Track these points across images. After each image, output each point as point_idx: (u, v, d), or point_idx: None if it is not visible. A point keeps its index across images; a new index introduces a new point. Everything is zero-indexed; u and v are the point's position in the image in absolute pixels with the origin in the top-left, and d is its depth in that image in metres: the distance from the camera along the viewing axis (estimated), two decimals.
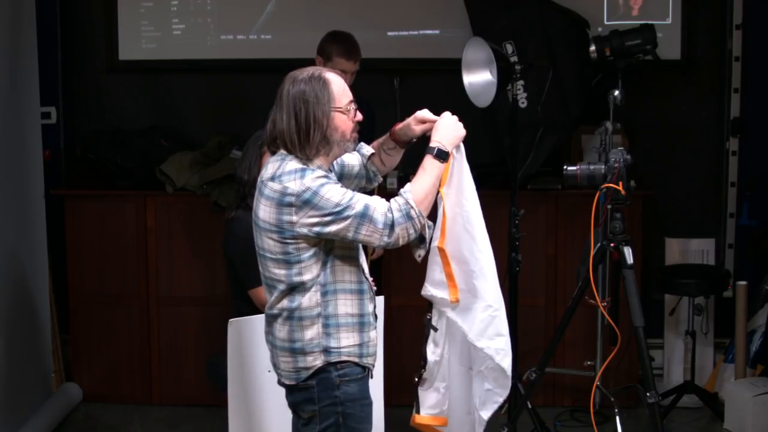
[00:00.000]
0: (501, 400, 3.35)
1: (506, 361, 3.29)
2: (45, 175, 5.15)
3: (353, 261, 3.10)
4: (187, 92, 5.62)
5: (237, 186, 4.10)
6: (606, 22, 5.35)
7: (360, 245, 3.14)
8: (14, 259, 4.73)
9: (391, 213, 2.99)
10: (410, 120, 3.22)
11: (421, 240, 3.12)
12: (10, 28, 4.68)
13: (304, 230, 2.98)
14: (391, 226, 2.98)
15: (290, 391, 3.16)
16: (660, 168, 5.47)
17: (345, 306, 3.08)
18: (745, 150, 5.44)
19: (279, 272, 3.05)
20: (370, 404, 3.16)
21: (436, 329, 3.34)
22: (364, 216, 2.96)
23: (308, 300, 3.04)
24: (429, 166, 3.09)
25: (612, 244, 4.08)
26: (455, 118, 3.19)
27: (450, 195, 3.21)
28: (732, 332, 5.16)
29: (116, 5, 5.51)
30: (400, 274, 5.07)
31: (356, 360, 3.09)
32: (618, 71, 4.72)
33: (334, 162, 3.20)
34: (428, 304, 3.35)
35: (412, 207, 3.01)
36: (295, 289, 3.05)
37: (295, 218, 2.97)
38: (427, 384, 3.38)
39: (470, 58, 4.50)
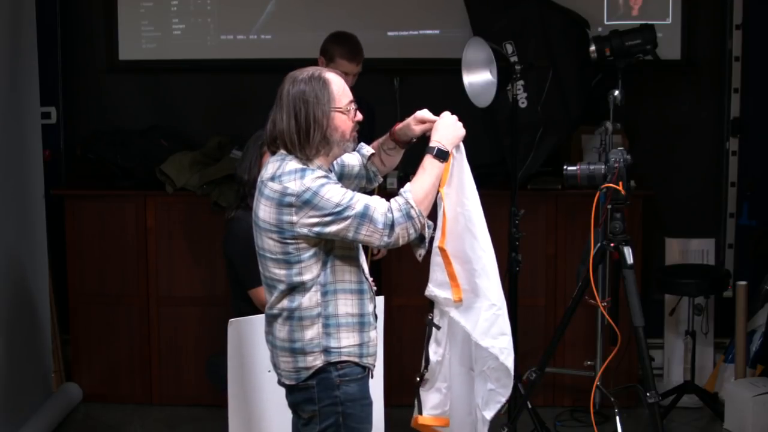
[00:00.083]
0: (504, 399, 3.34)
1: (510, 361, 3.29)
2: (45, 175, 5.15)
3: (353, 261, 3.10)
4: (187, 92, 5.62)
5: (237, 186, 4.10)
6: (606, 22, 5.35)
7: (360, 245, 3.14)
8: (14, 259, 4.73)
9: (391, 213, 2.99)
10: (410, 120, 3.22)
11: (421, 239, 3.12)
12: (10, 28, 4.68)
13: (304, 230, 2.98)
14: (391, 225, 2.98)
15: (290, 391, 3.16)
16: (660, 168, 5.47)
17: (345, 306, 3.08)
18: (745, 150, 5.44)
19: (279, 272, 3.05)
20: (370, 404, 3.16)
21: (438, 327, 3.34)
22: (364, 216, 2.97)
23: (308, 300, 3.04)
24: (429, 165, 3.09)
25: (612, 244, 4.08)
26: (455, 117, 3.19)
27: (450, 195, 3.21)
28: (732, 332, 5.16)
29: (116, 5, 5.51)
30: (400, 274, 5.07)
31: (356, 360, 3.09)
32: (618, 71, 4.72)
33: (334, 162, 3.20)
34: (429, 304, 3.34)
35: (412, 207, 3.01)
36: (295, 289, 3.05)
37: (295, 218, 2.98)
38: (429, 384, 3.38)
39: (470, 58, 4.50)
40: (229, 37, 5.55)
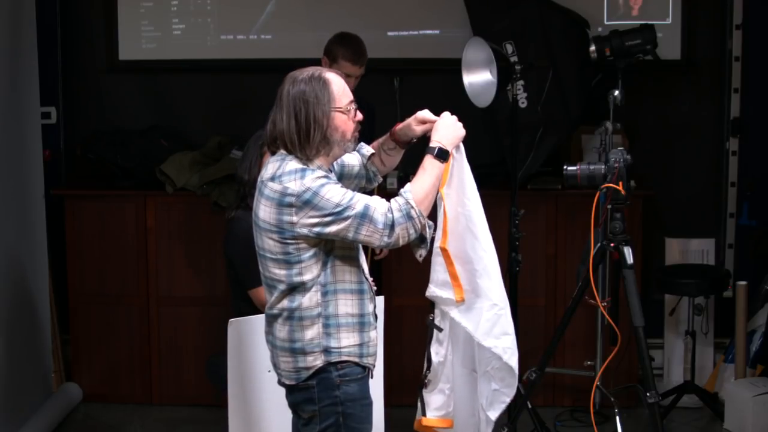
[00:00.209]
0: (508, 399, 3.34)
1: (513, 360, 3.29)
2: (45, 175, 5.14)
3: (353, 261, 3.11)
4: (187, 92, 5.62)
5: (237, 186, 4.10)
6: (606, 22, 5.35)
7: (360, 245, 3.14)
8: (14, 259, 4.73)
9: (392, 213, 2.99)
10: (410, 120, 3.22)
11: (421, 240, 3.13)
12: (10, 28, 4.68)
13: (305, 230, 2.98)
14: (392, 226, 2.98)
15: (290, 391, 3.16)
16: (660, 168, 5.47)
17: (345, 306, 3.08)
18: (745, 150, 5.44)
19: (279, 272, 3.05)
20: (370, 404, 3.16)
21: (441, 329, 3.34)
22: (365, 216, 2.97)
23: (308, 300, 3.05)
24: (429, 166, 3.09)
25: (612, 244, 4.08)
26: (455, 118, 3.19)
27: (450, 195, 3.21)
28: (732, 332, 5.16)
29: (116, 5, 5.50)
30: (400, 274, 5.07)
31: (356, 360, 3.09)
32: (618, 71, 4.72)
33: (334, 162, 3.20)
34: (430, 305, 3.34)
35: (412, 207, 3.01)
36: (295, 289, 3.05)
37: (295, 218, 2.98)
38: (432, 386, 3.38)
39: (470, 58, 4.50)
40: (229, 37, 5.55)
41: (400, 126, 3.25)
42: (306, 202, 2.96)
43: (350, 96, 3.10)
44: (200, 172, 5.17)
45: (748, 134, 5.44)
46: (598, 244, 4.08)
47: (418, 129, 3.21)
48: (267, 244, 3.05)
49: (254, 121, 4.03)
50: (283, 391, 3.20)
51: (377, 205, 2.99)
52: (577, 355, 5.09)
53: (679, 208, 5.54)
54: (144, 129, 5.48)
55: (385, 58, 5.27)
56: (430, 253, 3.23)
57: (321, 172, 3.01)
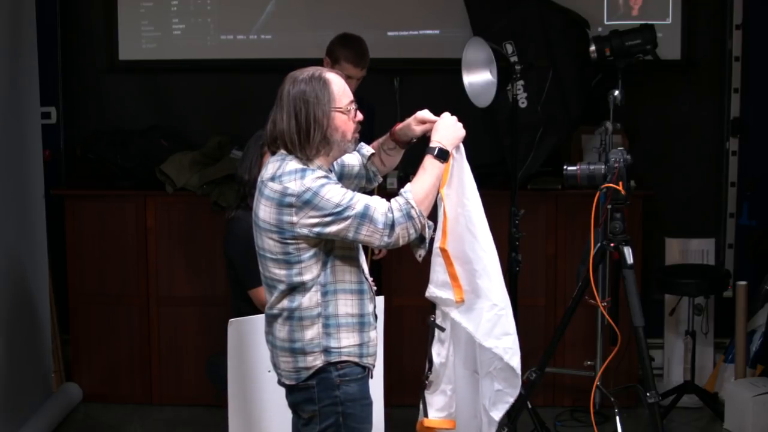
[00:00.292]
0: (512, 399, 3.33)
1: (515, 360, 3.28)
2: (45, 175, 5.14)
3: (353, 261, 3.11)
4: (187, 92, 5.62)
5: (237, 186, 4.09)
6: (606, 22, 5.35)
7: (360, 245, 3.14)
8: (14, 259, 4.73)
9: (392, 213, 2.99)
10: (410, 120, 3.22)
11: (421, 240, 3.12)
12: (10, 28, 4.68)
13: (305, 231, 2.98)
14: (392, 226, 2.98)
15: (290, 391, 3.16)
16: (660, 168, 5.47)
17: (345, 306, 3.08)
18: (745, 150, 5.44)
19: (279, 272, 3.05)
20: (370, 404, 3.16)
21: (443, 329, 3.34)
22: (365, 216, 2.97)
23: (308, 300, 3.05)
24: (429, 166, 3.09)
25: (612, 244, 4.08)
26: (455, 118, 3.19)
27: (450, 196, 3.21)
28: (732, 332, 5.16)
29: (116, 5, 5.50)
30: (400, 274, 5.07)
31: (356, 360, 3.09)
32: (618, 71, 4.72)
33: (334, 162, 3.20)
34: (432, 305, 3.34)
35: (412, 207, 3.01)
36: (295, 289, 3.05)
37: (295, 219, 2.98)
38: (434, 387, 3.38)
39: (470, 58, 4.50)
40: (229, 37, 5.55)
41: (400, 126, 3.25)
42: (306, 202, 2.96)
43: (350, 96, 3.10)
44: (200, 172, 5.17)
45: (748, 134, 5.44)
46: (598, 244, 4.08)
47: (418, 129, 3.21)
48: (267, 244, 3.05)
49: (254, 121, 4.03)
50: (283, 391, 3.20)
51: (377, 205, 2.99)
52: (577, 355, 5.09)
53: (679, 208, 5.54)
54: (144, 129, 5.48)
55: (385, 58, 5.26)
56: (429, 253, 3.23)
57: (321, 172, 3.01)
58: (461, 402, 3.41)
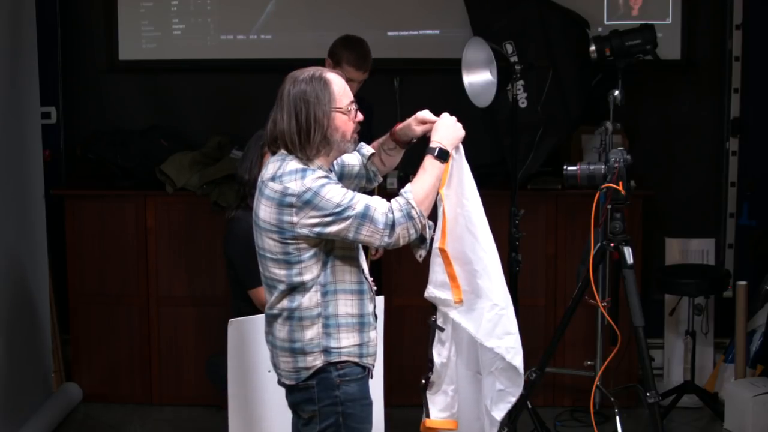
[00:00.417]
0: (514, 399, 3.33)
1: (518, 359, 3.28)
2: (45, 175, 5.14)
3: (353, 261, 3.11)
4: (187, 92, 5.62)
5: (238, 186, 4.09)
6: (606, 22, 5.35)
7: (360, 245, 3.14)
8: (14, 259, 4.73)
9: (392, 213, 2.99)
10: (411, 120, 3.22)
11: (421, 240, 3.13)
12: (10, 28, 4.68)
13: (305, 231, 2.98)
14: (392, 226, 2.98)
15: (290, 391, 3.16)
16: (660, 168, 5.47)
17: (345, 306, 3.08)
18: (745, 150, 5.44)
19: (279, 272, 3.05)
20: (370, 404, 3.16)
21: (442, 329, 3.33)
22: (365, 216, 2.97)
23: (308, 300, 3.05)
24: (429, 166, 3.09)
25: (612, 244, 4.08)
26: (454, 118, 3.19)
27: (450, 196, 3.21)
28: (732, 332, 5.16)
29: (116, 5, 5.50)
30: (400, 274, 5.07)
31: (356, 360, 3.09)
32: (618, 71, 4.72)
33: (334, 162, 3.20)
34: (432, 306, 3.34)
35: (413, 207, 3.01)
36: (295, 289, 3.05)
37: (295, 219, 2.98)
38: (436, 387, 3.37)
39: (470, 58, 4.50)
40: (229, 37, 5.55)
41: (400, 126, 3.25)
42: (306, 203, 2.96)
43: (351, 96, 3.10)
44: (200, 172, 5.17)
45: (748, 134, 5.44)
46: (598, 244, 4.08)
47: (418, 129, 3.21)
48: (267, 244, 3.05)
49: (254, 121, 4.03)
50: (283, 391, 3.20)
51: (378, 205, 2.99)
52: (577, 355, 5.09)
53: (679, 208, 5.54)
54: (144, 129, 5.48)
55: (385, 58, 5.26)
56: (429, 253, 3.23)
57: (321, 173, 3.01)
58: (464, 403, 3.41)
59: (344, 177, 3.27)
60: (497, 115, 4.98)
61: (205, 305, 5.22)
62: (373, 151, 3.33)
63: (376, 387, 3.50)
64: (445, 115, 3.19)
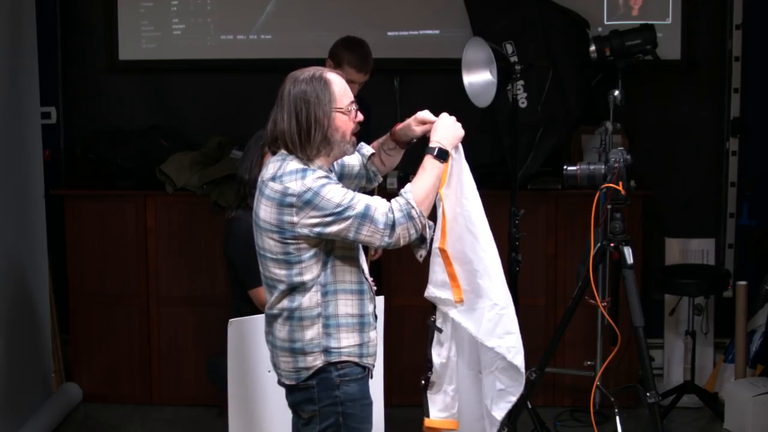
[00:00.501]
0: (514, 399, 3.33)
1: (519, 359, 3.28)
2: (45, 175, 5.14)
3: (353, 261, 3.11)
4: (187, 92, 5.62)
5: (238, 186, 4.09)
6: (606, 22, 5.35)
7: (360, 246, 3.14)
8: (14, 259, 4.73)
9: (392, 213, 2.99)
10: (411, 120, 3.22)
11: (422, 240, 3.13)
12: (10, 28, 4.68)
13: (305, 231, 2.98)
14: (392, 226, 2.98)
15: (290, 391, 3.16)
16: (660, 168, 5.47)
17: (345, 306, 3.08)
18: (745, 150, 5.44)
19: (279, 272, 3.05)
20: (370, 404, 3.16)
21: (441, 330, 3.33)
22: (365, 216, 2.97)
23: (308, 300, 3.05)
24: (429, 166, 3.09)
25: (612, 244, 4.08)
26: (453, 118, 3.20)
27: (449, 196, 3.21)
28: (732, 332, 5.16)
29: (116, 5, 5.50)
30: (400, 274, 5.07)
31: (356, 360, 3.09)
32: (618, 71, 4.72)
33: (334, 162, 3.20)
34: (432, 306, 3.34)
35: (413, 207, 3.01)
36: (295, 289, 3.05)
37: (296, 219, 2.98)
38: (436, 387, 3.37)
39: (470, 58, 4.50)
40: (229, 37, 5.55)
41: (400, 126, 3.25)
42: (307, 202, 2.96)
43: (351, 96, 3.11)
44: (200, 172, 5.17)
45: (748, 134, 5.44)
46: (598, 244, 4.08)
47: (418, 129, 3.21)
48: (267, 244, 3.05)
49: (254, 121, 4.03)
50: (283, 391, 3.20)
51: (378, 205, 2.99)
52: (577, 355, 5.09)
53: (679, 208, 5.54)
54: (144, 129, 5.48)
55: (385, 58, 5.26)
56: (429, 253, 3.23)
57: (322, 172, 3.01)
58: (466, 403, 3.41)
59: (344, 177, 3.27)
60: (497, 115, 4.98)
61: (205, 305, 5.22)
62: (373, 151, 3.33)
63: (376, 387, 3.50)
64: (444, 115, 3.19)
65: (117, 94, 5.61)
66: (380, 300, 3.44)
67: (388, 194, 3.14)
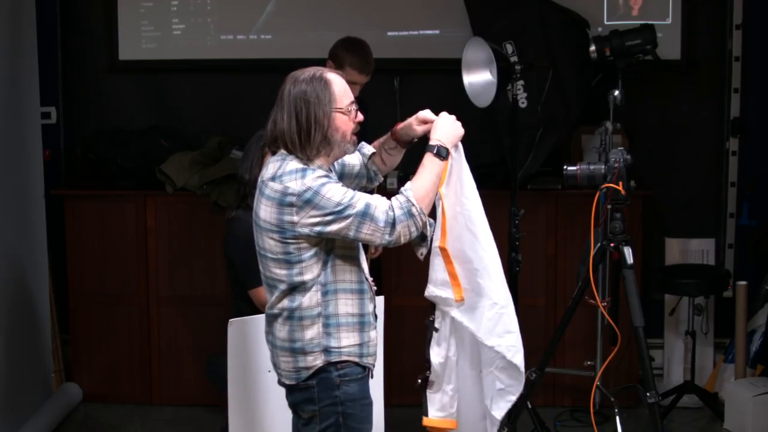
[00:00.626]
0: (514, 398, 3.33)
1: (518, 358, 3.28)
2: (45, 175, 5.15)
3: (354, 261, 3.11)
4: (187, 92, 5.62)
5: (238, 185, 4.09)
6: (606, 22, 5.35)
7: (360, 245, 3.14)
8: (14, 259, 4.73)
9: (393, 211, 2.99)
10: (412, 120, 3.22)
11: (423, 238, 3.13)
12: (10, 28, 4.68)
13: (306, 230, 2.98)
14: (393, 224, 2.98)
15: (290, 391, 3.16)
16: (660, 168, 5.47)
17: (345, 306, 3.08)
18: (745, 150, 5.44)
19: (280, 272, 3.05)
20: (370, 404, 3.16)
21: (437, 330, 3.33)
22: (365, 215, 2.97)
23: (309, 300, 3.05)
24: (429, 163, 3.09)
25: (612, 244, 4.08)
26: (453, 117, 3.20)
27: (449, 195, 3.21)
28: (732, 332, 5.16)
29: (116, 5, 5.50)
30: (400, 274, 5.07)
31: (356, 360, 3.09)
32: (618, 71, 4.72)
33: (335, 161, 3.20)
34: (431, 306, 3.34)
35: (413, 204, 3.01)
36: (295, 288, 3.05)
37: (296, 218, 2.98)
38: (436, 386, 3.37)
39: (470, 58, 4.50)
40: (229, 37, 5.55)
41: (401, 125, 3.25)
42: (307, 202, 2.96)
43: (351, 96, 3.11)
44: (200, 172, 5.17)
45: (748, 134, 5.44)
46: (598, 244, 4.08)
47: (419, 129, 3.21)
48: (268, 243, 3.05)
49: (254, 121, 4.03)
50: (283, 391, 3.20)
51: (378, 203, 2.99)
52: (577, 355, 5.09)
53: (679, 208, 5.54)
54: (144, 129, 5.48)
55: (385, 58, 5.26)
56: (429, 253, 3.23)
57: (322, 172, 3.02)
58: (469, 403, 3.41)
59: (345, 176, 3.27)
60: (497, 115, 4.98)
61: (205, 305, 5.22)
62: (374, 150, 3.33)
63: (376, 387, 3.50)
64: (444, 114, 3.20)
65: (117, 94, 5.61)
66: (380, 300, 3.44)
67: (388, 194, 3.13)
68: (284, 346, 3.09)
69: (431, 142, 3.13)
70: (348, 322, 3.08)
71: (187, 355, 5.26)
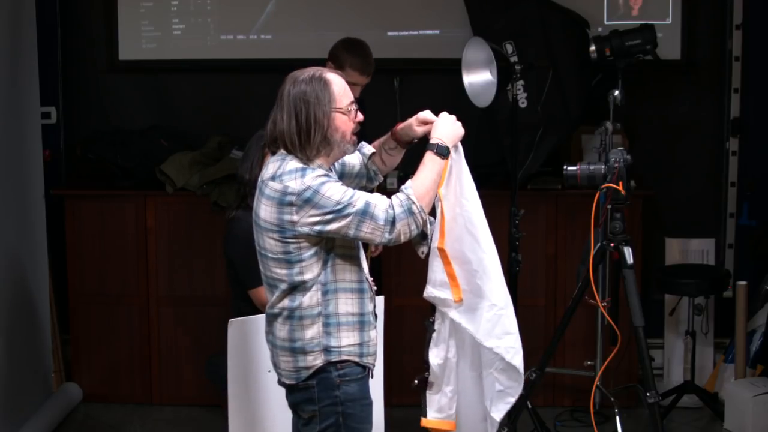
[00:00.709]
0: (513, 399, 3.33)
1: (517, 359, 3.28)
2: (45, 175, 5.14)
3: (354, 260, 3.11)
4: (187, 92, 5.62)
5: (238, 185, 4.10)
6: (606, 22, 5.35)
7: (360, 245, 3.14)
8: (14, 259, 4.73)
9: (393, 209, 2.99)
10: (412, 120, 3.22)
11: (423, 236, 3.13)
12: (10, 28, 4.68)
13: (306, 229, 2.98)
14: (393, 222, 2.98)
15: (290, 390, 3.16)
16: (660, 168, 5.47)
17: (345, 305, 3.08)
18: (745, 150, 5.44)
19: (280, 272, 3.05)
20: (370, 404, 3.16)
21: (434, 331, 3.33)
22: (365, 213, 2.97)
23: (309, 299, 3.05)
24: (429, 162, 3.09)
25: (612, 244, 4.08)
26: (453, 117, 3.20)
27: (448, 196, 3.21)
28: (732, 332, 5.16)
29: (116, 5, 5.50)
30: (400, 274, 5.07)
31: (356, 359, 3.10)
32: (618, 71, 4.73)
33: (335, 161, 3.20)
34: (430, 307, 3.34)
35: (413, 202, 3.01)
36: (296, 288, 3.05)
37: (296, 217, 2.98)
38: (436, 387, 3.37)
39: (470, 58, 4.50)
40: (229, 37, 5.55)
41: (401, 126, 3.25)
42: (307, 201, 2.96)
43: (351, 97, 3.11)
44: (200, 172, 5.17)
45: (748, 134, 5.44)
46: (598, 244, 4.08)
47: (419, 129, 3.21)
48: (268, 243, 3.05)
49: (254, 121, 4.03)
50: (283, 391, 3.20)
51: (378, 202, 2.99)
52: (577, 355, 5.09)
53: (679, 208, 5.54)
54: (144, 129, 5.48)
55: (385, 58, 5.26)
56: (428, 253, 3.23)
57: (321, 171, 3.02)
58: (470, 404, 3.40)
59: (345, 176, 3.27)
60: (497, 115, 4.98)
61: (205, 305, 5.22)
62: (374, 150, 3.33)
63: (376, 387, 3.50)
64: (445, 114, 3.20)
65: (117, 94, 5.61)
66: (380, 300, 3.44)
67: (388, 194, 3.13)
68: (284, 345, 3.09)
69: (431, 141, 3.13)
70: (348, 322, 3.08)
71: (186, 355, 5.26)
